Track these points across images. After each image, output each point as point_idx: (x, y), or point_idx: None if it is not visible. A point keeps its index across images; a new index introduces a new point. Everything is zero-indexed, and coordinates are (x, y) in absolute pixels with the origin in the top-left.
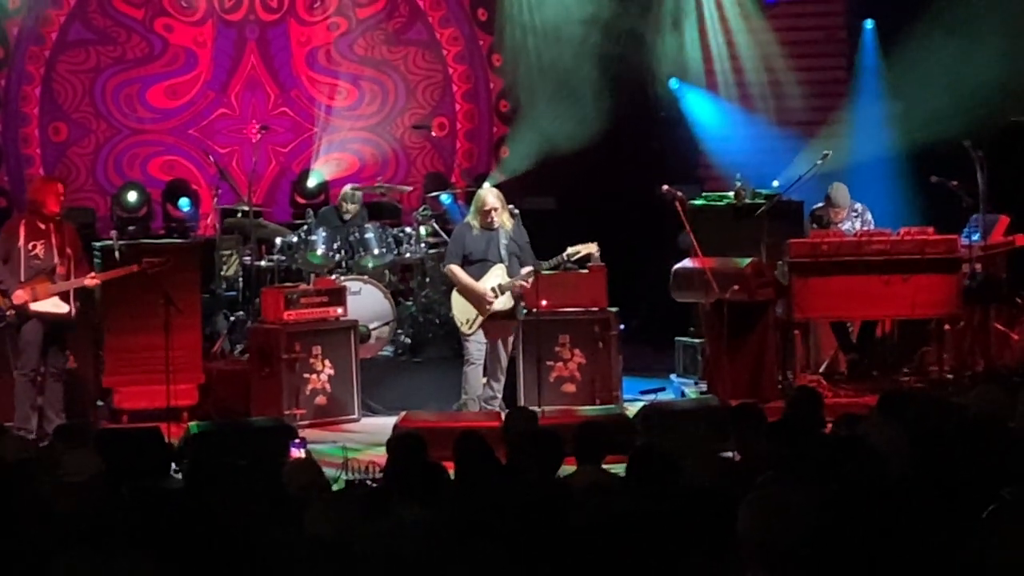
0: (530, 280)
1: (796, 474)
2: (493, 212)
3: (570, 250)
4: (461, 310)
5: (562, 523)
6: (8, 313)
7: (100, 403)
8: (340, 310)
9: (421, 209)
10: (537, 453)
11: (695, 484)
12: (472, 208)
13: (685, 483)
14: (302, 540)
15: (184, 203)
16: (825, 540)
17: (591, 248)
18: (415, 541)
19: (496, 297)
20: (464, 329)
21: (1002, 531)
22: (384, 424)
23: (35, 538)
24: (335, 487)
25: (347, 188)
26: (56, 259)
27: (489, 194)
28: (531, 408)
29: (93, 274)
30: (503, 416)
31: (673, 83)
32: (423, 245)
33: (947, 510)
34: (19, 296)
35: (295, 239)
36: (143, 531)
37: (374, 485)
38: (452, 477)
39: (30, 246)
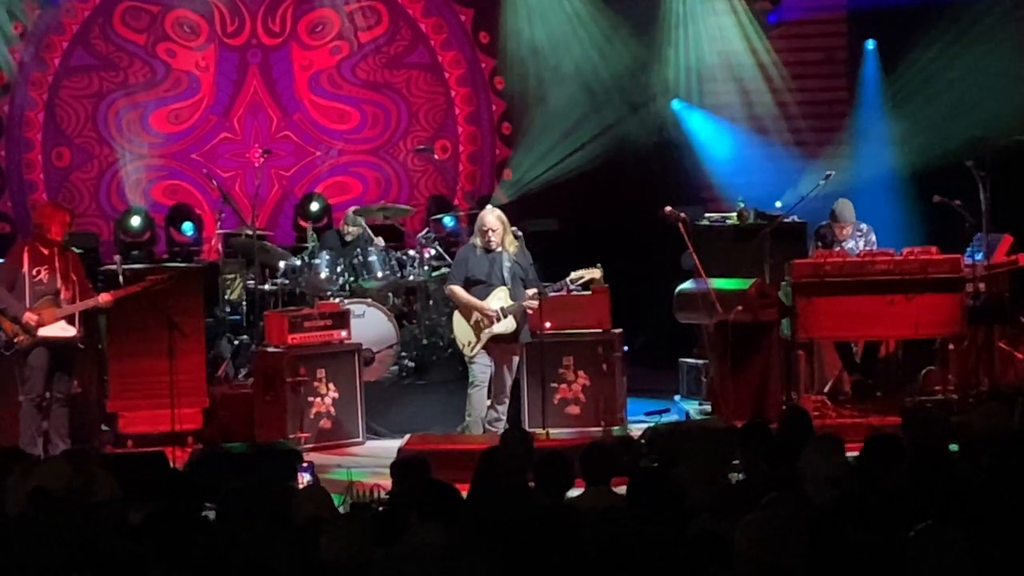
0: (536, 303)
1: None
2: (491, 233)
3: (573, 275)
4: (463, 332)
5: (570, 544)
6: (17, 340)
7: (105, 428)
8: (344, 333)
9: (424, 232)
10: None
11: (698, 506)
12: (475, 228)
13: (688, 505)
14: (310, 566)
15: (187, 227)
16: (818, 561)
17: (595, 273)
18: (434, 563)
19: (499, 319)
20: (466, 351)
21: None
22: (389, 447)
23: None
24: (340, 510)
25: (349, 211)
26: (60, 284)
27: (489, 215)
28: (528, 430)
29: (105, 293)
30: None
31: (676, 104)
32: (426, 268)
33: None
34: (30, 318)
35: (299, 262)
36: (151, 556)
37: (380, 509)
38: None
39: (34, 272)
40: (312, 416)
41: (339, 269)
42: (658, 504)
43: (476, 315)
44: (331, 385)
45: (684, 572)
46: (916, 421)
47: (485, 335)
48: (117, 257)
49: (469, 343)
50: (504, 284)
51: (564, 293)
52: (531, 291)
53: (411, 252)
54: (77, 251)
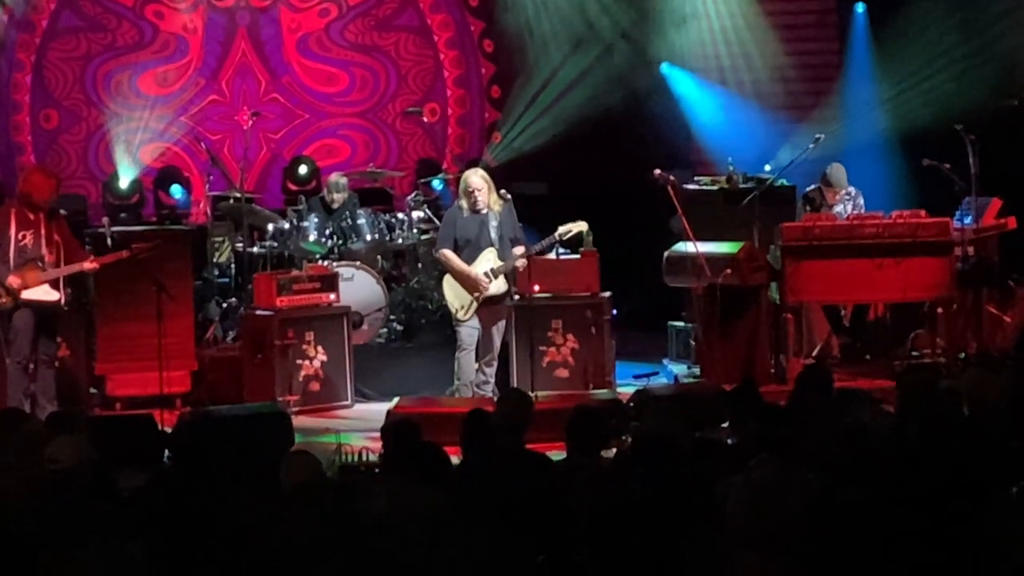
0: (525, 262)
1: (800, 456)
2: (477, 193)
3: (561, 229)
4: (455, 296)
5: (563, 505)
6: (1, 302)
7: (93, 391)
8: (333, 296)
9: (413, 195)
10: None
11: (688, 468)
12: (460, 190)
13: (680, 468)
14: (297, 531)
15: (176, 190)
16: (813, 523)
17: (582, 226)
18: (421, 521)
19: (491, 281)
20: (459, 315)
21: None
22: (377, 410)
23: (21, 527)
24: (328, 474)
25: (332, 177)
26: (44, 248)
27: (474, 175)
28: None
29: (92, 258)
30: (496, 400)
31: (665, 67)
32: (415, 231)
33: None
34: (12, 281)
35: (287, 225)
36: (136, 519)
37: (373, 470)
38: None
39: (20, 235)
40: (301, 379)
41: (327, 232)
42: (648, 466)
43: (468, 279)
44: (320, 348)
45: (672, 531)
46: (909, 383)
47: (478, 300)
48: (105, 220)
49: (461, 307)
50: (492, 245)
51: (554, 243)
52: (519, 249)
53: (400, 215)
54: (62, 213)
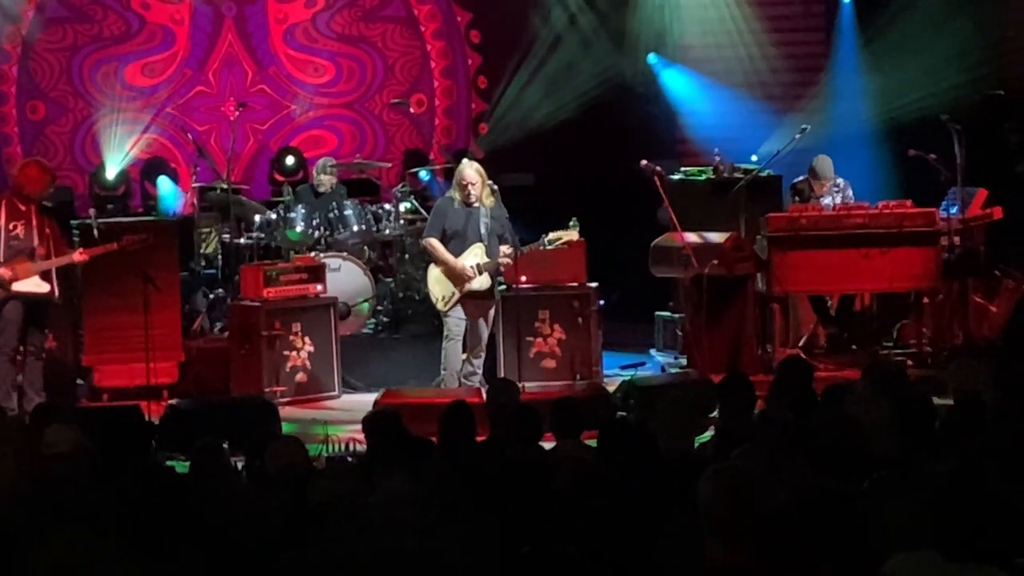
0: (511, 260)
1: (784, 446)
2: (471, 187)
3: (552, 235)
4: (438, 286)
5: (544, 494)
6: None
7: (80, 382)
8: (320, 287)
9: (400, 186)
10: (518, 426)
11: (670, 456)
12: (453, 182)
13: (660, 455)
14: (286, 519)
15: (163, 183)
16: (785, 516)
17: (572, 235)
18: (403, 510)
19: (475, 276)
20: (440, 306)
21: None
22: (364, 401)
23: (18, 514)
24: (316, 464)
25: (320, 161)
26: (36, 239)
27: (468, 168)
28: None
29: (81, 250)
30: (484, 391)
31: (652, 58)
32: (402, 222)
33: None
34: (3, 272)
35: (274, 216)
36: (125, 508)
37: (354, 461)
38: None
39: (10, 226)
40: (288, 370)
41: (314, 223)
42: (628, 455)
43: (452, 271)
44: (307, 339)
45: (652, 521)
46: (873, 373)
47: (460, 292)
48: (92, 211)
49: (443, 298)
50: (480, 240)
51: (541, 247)
52: (505, 248)
53: (386, 206)
54: (48, 205)
